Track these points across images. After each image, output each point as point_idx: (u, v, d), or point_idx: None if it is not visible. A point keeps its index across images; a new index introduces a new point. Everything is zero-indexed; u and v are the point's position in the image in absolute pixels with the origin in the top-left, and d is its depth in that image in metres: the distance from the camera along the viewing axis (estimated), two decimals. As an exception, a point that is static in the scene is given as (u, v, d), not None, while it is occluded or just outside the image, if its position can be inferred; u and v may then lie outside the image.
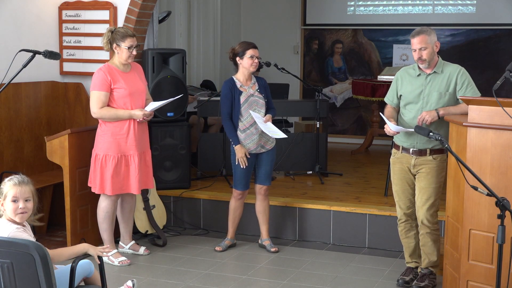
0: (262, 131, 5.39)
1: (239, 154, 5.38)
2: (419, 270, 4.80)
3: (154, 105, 5.24)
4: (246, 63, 5.38)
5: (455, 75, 4.48)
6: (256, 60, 5.39)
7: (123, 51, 5.11)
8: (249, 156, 5.40)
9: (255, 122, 5.37)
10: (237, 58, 5.41)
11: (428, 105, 4.51)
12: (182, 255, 5.53)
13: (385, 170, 6.75)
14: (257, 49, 5.42)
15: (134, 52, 5.15)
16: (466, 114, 4.28)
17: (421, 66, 4.54)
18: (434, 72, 4.53)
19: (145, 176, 5.34)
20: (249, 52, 5.36)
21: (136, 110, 5.14)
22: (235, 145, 5.39)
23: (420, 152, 4.55)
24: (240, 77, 5.45)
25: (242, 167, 5.40)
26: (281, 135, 5.39)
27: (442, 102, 4.49)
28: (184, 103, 6.39)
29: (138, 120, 5.15)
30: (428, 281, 4.69)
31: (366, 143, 9.09)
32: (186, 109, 6.48)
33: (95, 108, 5.08)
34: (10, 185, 3.34)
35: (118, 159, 5.15)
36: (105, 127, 5.15)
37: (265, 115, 5.40)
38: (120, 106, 5.14)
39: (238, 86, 5.42)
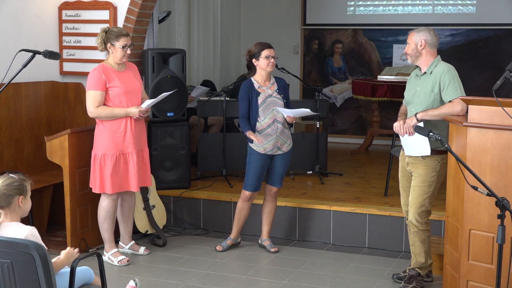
0: (280, 133, 5.36)
1: (252, 136, 5.27)
2: (407, 270, 4.80)
3: (149, 102, 5.26)
4: (262, 64, 5.36)
5: (440, 76, 4.48)
6: (272, 60, 5.35)
7: (118, 50, 5.13)
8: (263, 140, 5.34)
9: (272, 123, 5.35)
10: (254, 60, 5.39)
11: (417, 106, 4.54)
12: (182, 255, 5.53)
13: (385, 170, 6.75)
14: (273, 49, 5.38)
15: (129, 51, 5.16)
16: (448, 115, 4.32)
17: (408, 61, 4.64)
18: (425, 72, 4.55)
19: (143, 173, 5.35)
20: (265, 53, 5.33)
21: (132, 107, 5.16)
22: (245, 132, 5.32)
23: None
24: (258, 78, 5.43)
25: (258, 142, 5.30)
26: (308, 111, 5.36)
27: (427, 102, 4.50)
28: (184, 103, 6.39)
29: (134, 117, 5.16)
30: (416, 283, 4.67)
31: (366, 143, 9.09)
32: (186, 109, 6.47)
33: (91, 107, 5.10)
34: (29, 181, 3.35)
35: (117, 158, 5.17)
36: (103, 126, 5.17)
37: None
38: (116, 104, 5.15)
39: (256, 87, 5.40)
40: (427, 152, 4.49)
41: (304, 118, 8.87)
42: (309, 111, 5.30)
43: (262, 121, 5.37)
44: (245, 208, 5.58)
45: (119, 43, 5.11)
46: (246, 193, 5.50)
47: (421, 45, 4.52)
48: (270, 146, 5.39)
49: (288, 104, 5.47)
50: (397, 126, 4.59)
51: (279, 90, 5.43)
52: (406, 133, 4.49)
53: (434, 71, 4.52)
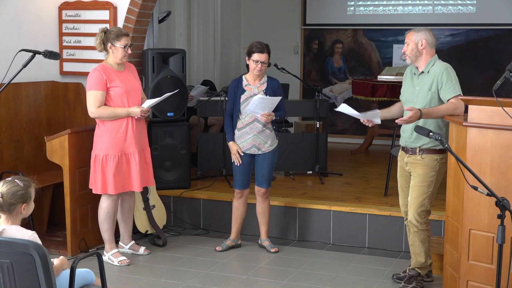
0: (258, 132, 5.34)
1: (232, 151, 5.41)
2: (407, 270, 4.79)
3: (150, 102, 5.25)
4: (250, 66, 5.36)
5: (437, 75, 4.47)
6: (260, 66, 5.31)
7: (119, 50, 5.11)
8: (242, 154, 5.40)
9: (252, 122, 5.35)
10: (247, 57, 5.40)
11: (416, 105, 4.53)
12: (182, 255, 5.53)
13: (385, 170, 6.75)
14: (265, 54, 5.30)
15: (129, 51, 5.16)
16: (447, 115, 4.31)
17: (407, 61, 4.62)
18: (422, 72, 4.55)
19: (146, 173, 5.35)
20: (254, 56, 5.32)
21: (133, 107, 5.16)
22: (228, 142, 5.43)
23: (411, 151, 4.58)
24: (248, 76, 5.44)
25: (236, 164, 5.41)
26: (271, 99, 5.24)
27: (425, 101, 4.50)
28: (184, 103, 6.39)
29: (136, 117, 5.16)
30: (416, 283, 4.67)
31: (366, 143, 9.09)
32: (186, 109, 6.48)
33: (93, 107, 5.08)
34: (33, 186, 3.33)
35: (119, 158, 5.16)
36: (104, 126, 5.15)
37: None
38: (117, 104, 5.15)
39: (244, 85, 5.41)
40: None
41: (304, 118, 8.85)
42: (261, 96, 5.20)
43: (243, 119, 5.38)
44: (239, 206, 5.59)
45: (120, 43, 5.10)
46: (236, 191, 5.55)
47: (421, 45, 4.51)
48: (248, 145, 5.39)
49: (278, 105, 5.36)
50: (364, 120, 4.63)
51: (267, 91, 5.39)
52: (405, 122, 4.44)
53: (432, 70, 4.52)
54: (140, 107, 5.17)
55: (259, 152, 5.43)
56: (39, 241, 3.15)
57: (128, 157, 5.20)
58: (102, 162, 5.15)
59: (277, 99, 5.27)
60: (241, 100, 5.37)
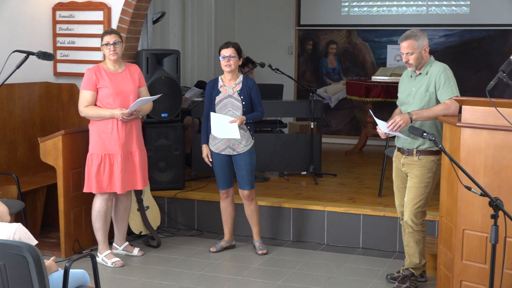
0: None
1: (203, 154, 5.44)
2: (401, 270, 4.80)
3: (135, 105, 5.19)
4: (221, 64, 5.35)
5: (435, 76, 4.47)
6: (227, 60, 5.27)
7: (103, 49, 5.22)
8: (211, 159, 5.42)
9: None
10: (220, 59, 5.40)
11: (412, 106, 4.53)
12: (176, 256, 5.53)
13: (379, 171, 6.76)
14: (231, 48, 5.28)
15: (113, 48, 5.16)
16: (439, 116, 4.32)
17: (409, 69, 4.60)
18: (420, 73, 4.55)
19: (130, 176, 5.30)
20: (221, 53, 5.32)
21: (116, 109, 5.16)
22: (202, 144, 5.45)
23: (408, 152, 4.57)
24: (224, 77, 5.43)
25: (210, 165, 5.47)
26: (230, 135, 5.26)
27: (423, 102, 4.50)
28: (178, 104, 6.39)
29: (119, 119, 5.16)
30: (410, 283, 4.68)
31: (360, 143, 9.10)
32: (180, 110, 6.47)
33: (81, 106, 5.19)
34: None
35: (102, 158, 5.19)
36: (93, 126, 5.24)
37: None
38: (104, 105, 5.20)
39: (219, 86, 5.39)
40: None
41: (298, 118, 8.86)
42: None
43: None
44: (226, 207, 5.59)
45: (103, 42, 5.19)
46: (220, 192, 5.55)
47: (425, 52, 4.51)
48: (222, 145, 5.38)
49: (255, 105, 5.38)
50: (381, 133, 4.60)
51: (241, 91, 5.36)
52: (395, 130, 4.45)
53: (430, 71, 4.51)
54: (122, 109, 5.15)
55: (234, 153, 5.39)
56: (27, 231, 3.16)
57: (112, 158, 5.21)
58: (88, 161, 5.24)
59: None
60: (216, 101, 5.35)
